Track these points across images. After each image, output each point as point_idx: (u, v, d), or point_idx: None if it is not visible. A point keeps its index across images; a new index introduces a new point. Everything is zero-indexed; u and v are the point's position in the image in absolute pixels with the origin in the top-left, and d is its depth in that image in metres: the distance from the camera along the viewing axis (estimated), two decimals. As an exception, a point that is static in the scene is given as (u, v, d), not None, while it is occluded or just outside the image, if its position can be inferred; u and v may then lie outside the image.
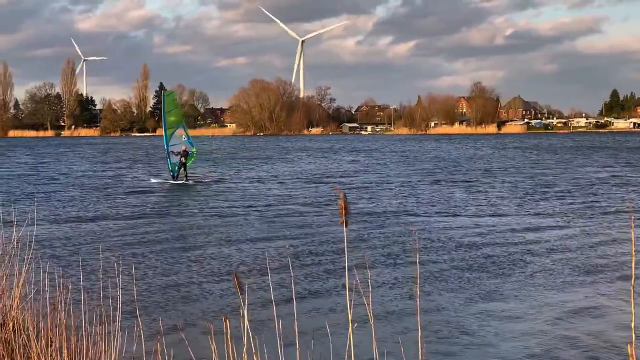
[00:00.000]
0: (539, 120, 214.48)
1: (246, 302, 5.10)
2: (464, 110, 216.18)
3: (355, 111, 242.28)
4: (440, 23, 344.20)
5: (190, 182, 41.88)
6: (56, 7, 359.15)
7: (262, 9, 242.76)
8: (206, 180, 44.23)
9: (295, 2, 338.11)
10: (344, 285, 15.15)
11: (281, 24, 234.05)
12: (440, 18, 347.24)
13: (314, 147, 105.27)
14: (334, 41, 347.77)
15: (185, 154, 41.38)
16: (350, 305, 5.16)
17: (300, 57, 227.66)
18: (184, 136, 42.84)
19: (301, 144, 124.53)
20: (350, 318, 5.13)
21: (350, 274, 5.32)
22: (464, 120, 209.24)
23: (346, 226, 4.69)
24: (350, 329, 5.14)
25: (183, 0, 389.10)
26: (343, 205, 4.66)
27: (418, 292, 7.58)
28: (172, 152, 41.68)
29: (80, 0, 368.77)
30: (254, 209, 29.11)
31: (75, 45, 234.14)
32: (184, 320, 12.57)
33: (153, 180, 43.77)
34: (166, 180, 42.80)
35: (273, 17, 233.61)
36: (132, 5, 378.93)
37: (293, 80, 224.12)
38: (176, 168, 41.68)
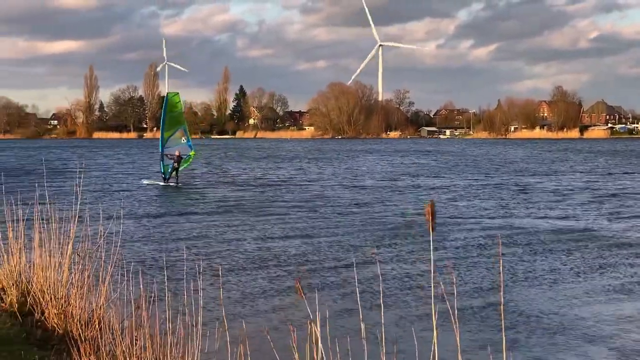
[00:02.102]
0: (623, 125, 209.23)
1: (317, 312, 5.09)
2: (545, 114, 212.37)
3: (434, 115, 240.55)
4: (522, 26, 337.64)
5: (180, 184, 41.75)
6: (145, 12, 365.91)
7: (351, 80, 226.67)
8: (195, 183, 44.27)
9: (377, 6, 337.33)
10: (425, 289, 15.03)
11: (369, 57, 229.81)
12: (522, 21, 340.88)
13: (392, 149, 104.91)
14: (415, 44, 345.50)
15: (179, 159, 41.32)
16: (435, 312, 5.10)
17: (379, 60, 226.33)
18: (183, 138, 42.78)
19: (379, 146, 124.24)
20: (434, 324, 5.07)
21: (434, 278, 5.25)
22: (545, 125, 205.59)
23: (433, 231, 4.64)
24: (434, 334, 5.08)
25: (266, 5, 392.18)
26: (430, 211, 4.60)
27: (502, 299, 7.42)
28: (167, 155, 41.77)
29: (168, 5, 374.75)
30: (332, 208, 29.14)
31: (164, 49, 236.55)
32: (266, 322, 12.59)
33: (145, 182, 43.65)
34: (157, 182, 42.88)
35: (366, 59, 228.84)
36: (217, 10, 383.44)
37: (380, 84, 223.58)
38: (169, 170, 41.77)
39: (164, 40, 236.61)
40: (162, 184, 42.01)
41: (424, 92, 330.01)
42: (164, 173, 42.24)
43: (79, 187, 11.33)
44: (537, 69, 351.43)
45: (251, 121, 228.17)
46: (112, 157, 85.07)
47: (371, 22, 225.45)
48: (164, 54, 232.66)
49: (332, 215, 28.09)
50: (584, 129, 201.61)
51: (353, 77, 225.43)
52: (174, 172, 41.65)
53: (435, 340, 5.08)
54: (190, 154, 42.70)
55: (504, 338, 5.31)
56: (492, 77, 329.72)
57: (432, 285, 4.74)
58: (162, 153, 42.23)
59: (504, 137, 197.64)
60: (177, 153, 41.37)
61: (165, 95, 46.96)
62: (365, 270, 16.97)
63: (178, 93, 45.12)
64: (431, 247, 4.67)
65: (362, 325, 5.58)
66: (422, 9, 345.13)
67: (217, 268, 16.70)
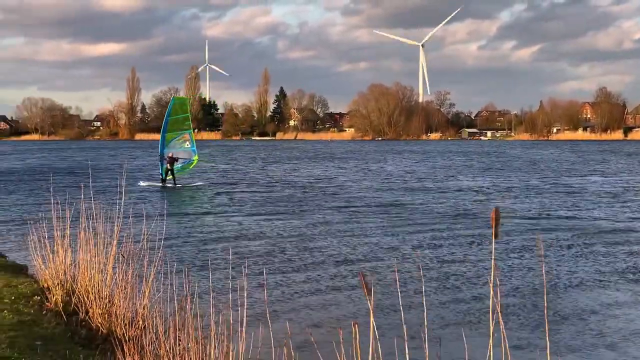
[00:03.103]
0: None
1: (372, 309, 5.04)
2: (588, 116, 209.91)
3: (475, 116, 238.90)
4: (565, 27, 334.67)
5: (178, 185, 41.94)
6: (187, 14, 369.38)
7: (376, 32, 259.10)
8: (194, 184, 44.15)
9: (418, 7, 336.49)
10: (464, 290, 14.91)
11: (398, 38, 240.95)
12: (565, 22, 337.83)
13: (432, 151, 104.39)
14: (456, 46, 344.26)
15: (172, 160, 41.72)
16: (492, 320, 5.05)
17: (423, 62, 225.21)
18: (187, 143, 43.02)
19: (419, 147, 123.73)
20: (491, 330, 5.01)
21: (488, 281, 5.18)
22: (588, 127, 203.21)
23: (497, 238, 4.57)
24: (490, 341, 5.01)
25: (307, 7, 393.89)
26: (494, 217, 4.54)
27: (546, 303, 7.36)
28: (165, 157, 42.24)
29: (210, 7, 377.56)
30: (371, 209, 29.05)
31: (207, 51, 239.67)
32: (311, 324, 12.54)
33: (143, 184, 43.36)
34: (155, 183, 43.20)
35: (389, 35, 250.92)
36: (259, 13, 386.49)
37: (420, 85, 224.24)
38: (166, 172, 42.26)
39: (206, 42, 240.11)
40: (159, 184, 42.40)
41: (465, 94, 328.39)
42: (161, 174, 42.88)
43: (123, 188, 11.42)
44: (580, 70, 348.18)
45: (291, 123, 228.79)
46: (154, 157, 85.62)
47: (442, 23, 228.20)
48: (206, 57, 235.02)
49: (370, 216, 28.00)
50: (628, 130, 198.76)
51: (380, 32, 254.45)
52: (171, 174, 42.03)
53: (490, 344, 5.02)
54: (194, 158, 43.31)
55: (547, 339, 5.22)
56: (535, 78, 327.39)
57: (492, 294, 4.69)
58: (161, 154, 42.74)
59: (546, 138, 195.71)
60: (170, 154, 41.96)
61: (172, 98, 47.31)
62: (405, 270, 16.87)
63: (186, 98, 45.25)
64: (493, 255, 4.61)
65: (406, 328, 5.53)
66: (464, 10, 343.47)
67: (259, 267, 16.73)
